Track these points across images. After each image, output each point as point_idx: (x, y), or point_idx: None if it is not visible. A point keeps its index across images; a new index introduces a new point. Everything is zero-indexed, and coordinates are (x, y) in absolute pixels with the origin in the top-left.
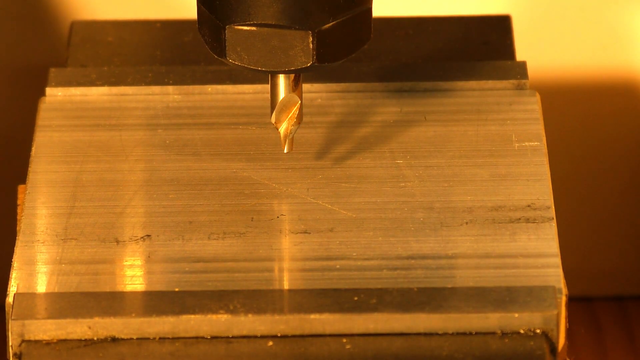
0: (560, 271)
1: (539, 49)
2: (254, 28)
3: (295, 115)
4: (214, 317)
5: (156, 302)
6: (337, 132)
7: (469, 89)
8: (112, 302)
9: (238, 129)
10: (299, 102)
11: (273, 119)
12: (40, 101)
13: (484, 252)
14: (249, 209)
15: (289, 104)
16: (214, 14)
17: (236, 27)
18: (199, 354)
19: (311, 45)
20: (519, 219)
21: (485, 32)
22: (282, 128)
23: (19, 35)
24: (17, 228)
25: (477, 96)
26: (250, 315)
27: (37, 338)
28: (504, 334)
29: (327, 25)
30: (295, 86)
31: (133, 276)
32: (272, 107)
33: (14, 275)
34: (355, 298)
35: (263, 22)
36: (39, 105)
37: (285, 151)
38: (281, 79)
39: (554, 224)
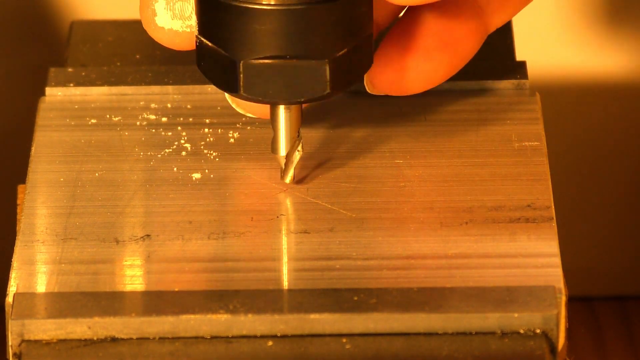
0: (560, 271)
1: (539, 49)
2: (268, 61)
3: (297, 147)
4: (213, 317)
5: (156, 302)
6: (337, 132)
7: (469, 89)
8: (111, 302)
9: (238, 129)
10: (301, 137)
11: (273, 149)
12: (40, 101)
13: (484, 252)
14: (249, 209)
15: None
16: (224, 49)
17: (251, 61)
18: (198, 354)
19: (327, 74)
20: (519, 218)
21: None
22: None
23: (19, 35)
24: (17, 228)
25: (477, 96)
26: (250, 315)
27: (36, 338)
28: (504, 334)
29: (339, 53)
30: (295, 116)
31: (133, 276)
32: (273, 137)
33: (14, 275)
34: (355, 298)
35: (277, 54)
36: (38, 105)
37: (287, 182)
38: (281, 109)
39: (554, 224)
